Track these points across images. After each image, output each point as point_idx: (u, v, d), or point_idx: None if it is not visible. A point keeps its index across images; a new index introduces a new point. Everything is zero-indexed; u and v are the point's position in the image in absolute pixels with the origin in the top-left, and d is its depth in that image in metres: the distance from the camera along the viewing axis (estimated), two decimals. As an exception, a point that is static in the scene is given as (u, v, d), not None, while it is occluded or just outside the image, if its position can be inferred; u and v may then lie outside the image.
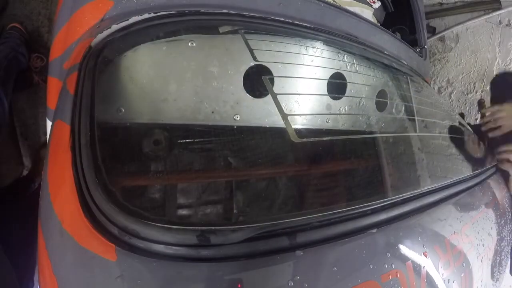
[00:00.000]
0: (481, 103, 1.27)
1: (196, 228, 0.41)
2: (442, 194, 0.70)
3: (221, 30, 0.61)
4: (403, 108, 0.89)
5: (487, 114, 1.05)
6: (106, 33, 0.54)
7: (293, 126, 0.57)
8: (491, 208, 0.85)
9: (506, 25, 1.74)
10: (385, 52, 0.94)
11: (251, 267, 0.41)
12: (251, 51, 0.59)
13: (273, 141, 0.65)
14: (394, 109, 0.88)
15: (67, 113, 0.49)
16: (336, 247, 0.48)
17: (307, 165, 0.71)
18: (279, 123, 0.56)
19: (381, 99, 0.86)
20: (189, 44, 0.59)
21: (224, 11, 0.63)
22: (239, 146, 0.62)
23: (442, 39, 1.94)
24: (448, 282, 0.60)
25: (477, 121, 1.75)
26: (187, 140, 0.61)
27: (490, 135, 1.03)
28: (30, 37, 1.31)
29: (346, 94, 0.80)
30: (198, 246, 0.40)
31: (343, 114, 0.82)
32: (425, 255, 0.57)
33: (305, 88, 0.74)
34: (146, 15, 0.56)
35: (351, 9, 0.89)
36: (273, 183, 0.69)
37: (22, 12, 1.34)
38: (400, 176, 0.78)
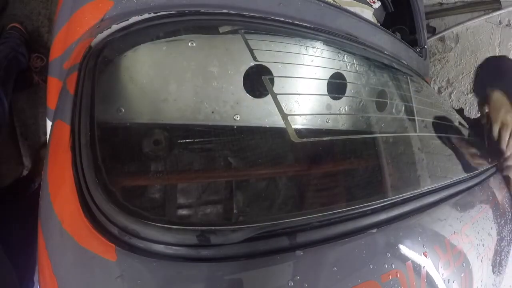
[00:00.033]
0: (481, 103, 1.26)
1: (196, 228, 0.41)
2: (442, 194, 0.70)
3: (221, 30, 0.61)
4: (403, 108, 0.89)
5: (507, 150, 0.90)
6: (106, 33, 0.54)
7: (293, 126, 0.57)
8: (491, 208, 0.85)
9: (506, 25, 1.74)
10: (385, 52, 0.94)
11: (251, 267, 0.41)
12: (251, 51, 0.59)
13: (273, 141, 0.65)
14: (394, 109, 0.88)
15: (67, 113, 0.49)
16: (336, 247, 0.48)
17: (307, 165, 0.71)
18: (279, 123, 0.56)
19: (381, 99, 0.86)
20: (189, 44, 0.59)
21: (224, 11, 0.63)
22: (239, 146, 0.62)
23: (442, 39, 1.94)
24: (448, 282, 0.60)
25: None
26: (187, 140, 0.61)
27: None
28: (30, 37, 1.31)
29: (346, 94, 0.80)
30: (198, 246, 0.40)
31: (343, 114, 0.82)
32: (425, 255, 0.57)
33: (305, 88, 0.74)
34: (146, 15, 0.56)
35: (351, 9, 0.89)
36: (273, 183, 0.69)
37: (22, 12, 1.34)
38: (400, 176, 0.78)
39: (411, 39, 1.21)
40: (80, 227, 0.40)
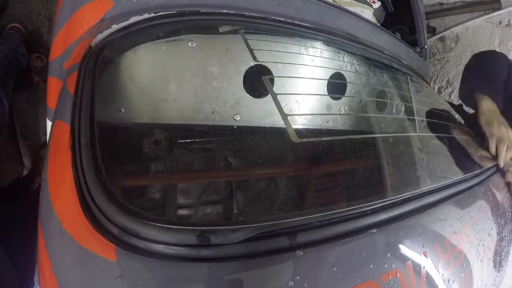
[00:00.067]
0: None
1: (196, 228, 0.41)
2: (442, 194, 0.70)
3: (221, 30, 0.61)
4: (403, 108, 0.89)
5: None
6: (106, 33, 0.54)
7: (293, 126, 0.57)
8: (491, 208, 0.84)
9: (506, 25, 1.74)
10: (385, 52, 0.94)
11: (251, 267, 0.41)
12: (251, 51, 0.59)
13: (273, 141, 0.65)
14: (394, 109, 0.88)
15: (67, 113, 0.49)
16: (336, 247, 0.48)
17: (307, 165, 0.71)
18: (279, 123, 0.56)
19: (381, 99, 0.86)
20: (189, 44, 0.59)
21: (224, 11, 0.63)
22: (239, 146, 0.62)
23: (442, 39, 1.94)
24: (448, 282, 0.60)
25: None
26: (187, 140, 0.61)
27: None
28: (30, 37, 1.31)
29: (346, 94, 0.80)
30: (198, 246, 0.40)
31: (343, 114, 0.82)
32: (425, 255, 0.57)
33: (305, 88, 0.74)
34: (146, 15, 0.56)
35: (351, 9, 0.89)
36: (273, 183, 0.69)
37: (22, 12, 1.34)
38: (400, 176, 0.78)
39: (411, 39, 1.21)
40: (80, 227, 0.40)
